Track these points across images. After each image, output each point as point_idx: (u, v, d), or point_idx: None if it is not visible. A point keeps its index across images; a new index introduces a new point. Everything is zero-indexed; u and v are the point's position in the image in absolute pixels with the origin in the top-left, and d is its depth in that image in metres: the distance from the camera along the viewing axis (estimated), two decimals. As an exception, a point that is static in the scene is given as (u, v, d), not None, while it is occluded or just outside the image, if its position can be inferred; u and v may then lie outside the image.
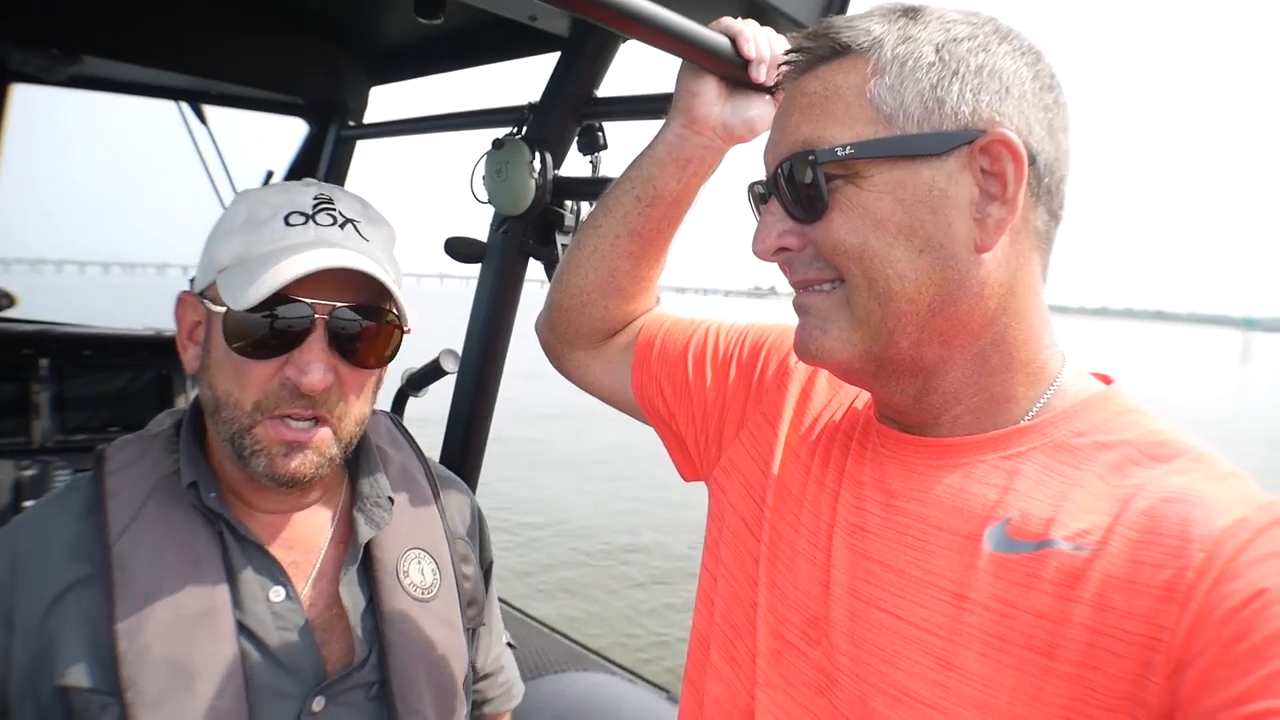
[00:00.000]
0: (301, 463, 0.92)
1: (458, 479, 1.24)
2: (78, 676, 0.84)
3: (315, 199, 0.96)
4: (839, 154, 0.70)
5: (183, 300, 0.97)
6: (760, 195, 0.83)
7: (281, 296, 0.88)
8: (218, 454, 0.97)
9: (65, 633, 0.85)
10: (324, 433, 0.94)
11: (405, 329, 0.99)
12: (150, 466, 0.95)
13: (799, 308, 0.79)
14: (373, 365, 0.97)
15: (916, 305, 0.71)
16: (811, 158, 0.71)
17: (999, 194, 0.68)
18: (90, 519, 0.90)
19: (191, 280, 0.98)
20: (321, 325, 0.91)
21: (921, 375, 0.74)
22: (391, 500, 1.05)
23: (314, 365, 0.90)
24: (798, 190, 0.73)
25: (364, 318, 0.94)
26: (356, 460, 1.07)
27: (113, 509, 0.90)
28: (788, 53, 0.77)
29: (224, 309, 0.89)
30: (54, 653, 0.85)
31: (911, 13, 0.73)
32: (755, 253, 0.78)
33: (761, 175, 0.82)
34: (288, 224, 0.92)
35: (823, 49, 0.74)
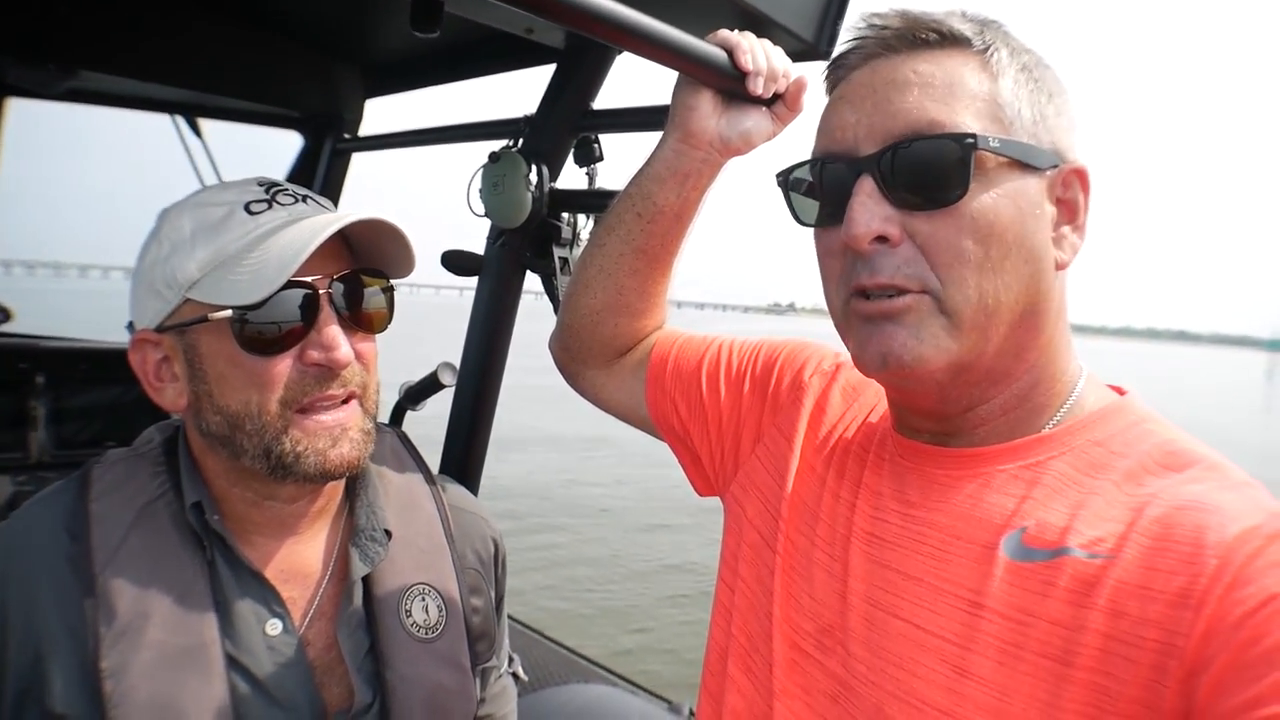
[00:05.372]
0: (349, 448, 0.90)
1: (476, 505, 1.18)
2: (66, 705, 0.81)
3: (261, 184, 0.93)
4: (993, 144, 0.68)
5: (139, 342, 0.91)
6: (806, 184, 0.78)
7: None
8: (214, 475, 0.93)
9: (55, 653, 0.83)
10: (355, 408, 0.92)
11: (393, 285, 0.97)
12: (135, 490, 0.91)
13: (884, 314, 0.71)
14: (377, 329, 0.95)
15: (1013, 315, 0.71)
16: (970, 141, 0.67)
17: (1069, 219, 0.73)
18: (74, 544, 0.86)
19: (129, 325, 0.93)
20: (326, 299, 0.88)
21: (989, 386, 0.74)
22: (389, 534, 1.00)
23: (338, 337, 0.88)
24: (925, 174, 0.69)
25: (360, 283, 0.92)
26: (354, 488, 1.03)
27: (97, 536, 0.86)
28: (871, 27, 0.75)
29: (226, 315, 0.84)
30: (47, 668, 0.82)
31: (994, 25, 0.74)
32: (852, 235, 0.70)
33: (782, 166, 0.81)
34: (250, 213, 0.88)
35: (929, 35, 0.72)
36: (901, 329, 0.70)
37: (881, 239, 0.70)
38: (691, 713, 2.07)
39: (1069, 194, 0.73)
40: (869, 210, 0.70)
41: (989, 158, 0.68)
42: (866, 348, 0.73)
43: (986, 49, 0.72)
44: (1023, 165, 0.70)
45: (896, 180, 0.70)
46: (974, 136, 0.67)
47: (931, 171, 0.68)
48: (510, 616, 2.54)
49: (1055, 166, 0.71)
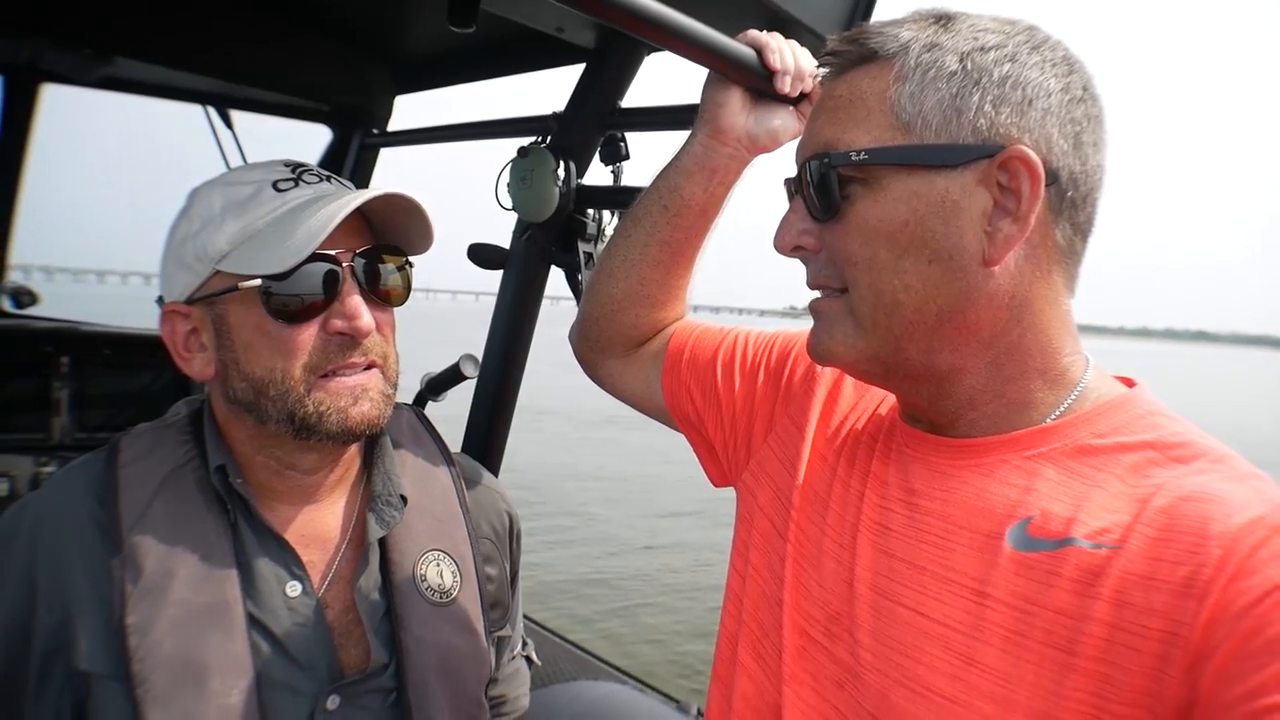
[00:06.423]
0: (370, 406, 0.93)
1: (491, 480, 1.21)
2: (91, 661, 0.84)
3: (288, 165, 0.97)
4: (853, 158, 0.72)
5: (170, 314, 0.95)
6: (792, 191, 0.84)
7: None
8: (238, 443, 0.96)
9: (83, 613, 0.85)
10: (376, 374, 0.95)
11: (410, 263, 1.01)
12: (163, 457, 0.94)
13: (812, 310, 0.81)
14: (395, 303, 0.99)
15: (924, 314, 0.72)
16: (826, 160, 0.74)
17: (1013, 210, 0.69)
18: (103, 509, 0.90)
19: (159, 299, 0.97)
20: (349, 272, 0.92)
21: (934, 380, 0.76)
22: (404, 499, 1.03)
23: (361, 308, 0.91)
24: (815, 191, 0.75)
25: (380, 257, 0.95)
26: (371, 456, 1.06)
27: (124, 502, 0.90)
28: (825, 53, 0.79)
29: (255, 285, 0.88)
30: (74, 629, 0.85)
31: (944, 20, 0.73)
32: (775, 247, 0.81)
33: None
34: (278, 190, 0.92)
35: (853, 54, 0.75)
36: (820, 326, 0.80)
37: (799, 248, 0.79)
38: (699, 712, 2.08)
39: (1014, 182, 0.68)
40: (789, 224, 0.80)
41: (875, 168, 0.71)
42: (806, 340, 0.83)
43: (894, 57, 0.72)
44: (924, 167, 0.70)
45: (807, 197, 0.77)
46: (829, 155, 0.73)
47: (819, 188, 0.75)
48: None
49: (981, 158, 0.69)
